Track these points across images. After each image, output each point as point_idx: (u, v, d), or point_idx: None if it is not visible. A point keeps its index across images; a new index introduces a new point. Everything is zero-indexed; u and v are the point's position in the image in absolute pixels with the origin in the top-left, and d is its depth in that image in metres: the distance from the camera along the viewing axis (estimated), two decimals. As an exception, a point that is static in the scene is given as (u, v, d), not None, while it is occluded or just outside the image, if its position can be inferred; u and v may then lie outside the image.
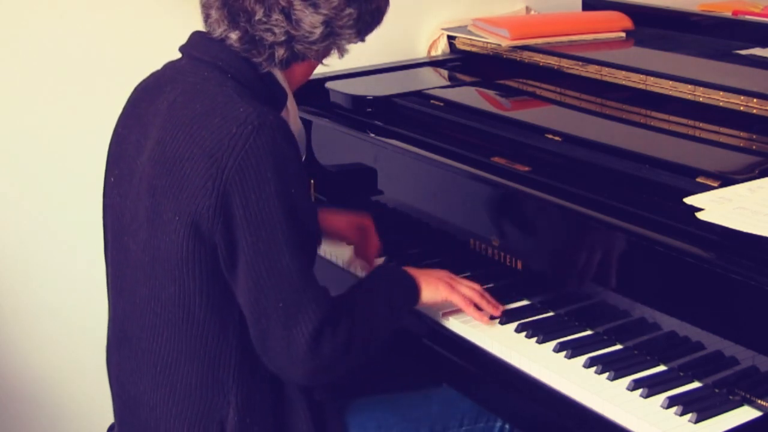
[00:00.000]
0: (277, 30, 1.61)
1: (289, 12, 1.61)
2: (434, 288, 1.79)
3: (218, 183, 1.53)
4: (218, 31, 1.64)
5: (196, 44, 1.69)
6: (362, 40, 1.75)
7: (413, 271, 1.80)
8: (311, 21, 1.61)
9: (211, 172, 1.54)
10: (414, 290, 1.77)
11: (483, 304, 1.82)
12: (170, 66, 1.74)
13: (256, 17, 1.60)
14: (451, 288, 1.80)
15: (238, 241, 1.55)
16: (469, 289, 1.82)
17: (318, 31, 1.62)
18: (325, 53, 1.70)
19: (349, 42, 1.70)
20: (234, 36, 1.63)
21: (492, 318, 1.83)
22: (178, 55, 1.74)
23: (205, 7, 1.67)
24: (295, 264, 1.56)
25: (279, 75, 1.69)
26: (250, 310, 1.58)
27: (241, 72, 1.64)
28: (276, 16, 1.60)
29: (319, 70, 1.84)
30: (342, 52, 1.71)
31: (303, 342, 1.57)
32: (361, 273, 2.04)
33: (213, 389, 1.64)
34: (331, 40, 1.66)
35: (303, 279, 1.57)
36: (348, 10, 1.64)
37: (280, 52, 1.63)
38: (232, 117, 1.55)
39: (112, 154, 1.76)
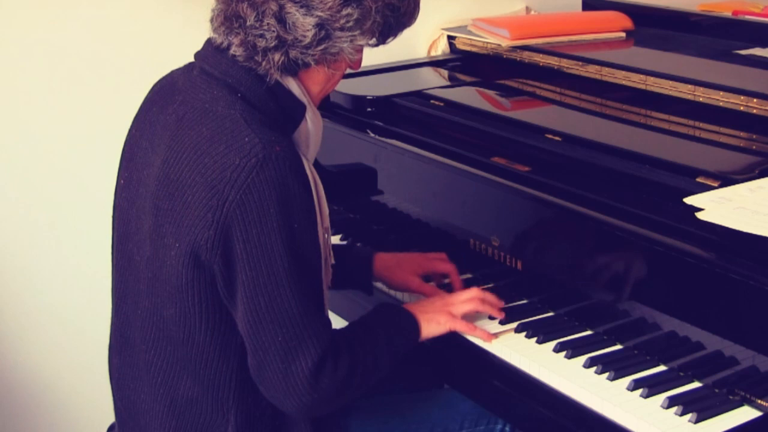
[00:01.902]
0: (268, 35, 1.54)
1: (281, 15, 1.54)
2: (435, 323, 1.76)
3: (219, 215, 1.50)
4: (221, 39, 1.60)
5: (207, 56, 1.63)
6: (383, 42, 1.67)
7: (413, 309, 1.77)
8: (303, 23, 1.53)
9: (211, 204, 1.51)
10: (414, 330, 1.74)
11: (487, 309, 1.82)
12: (186, 72, 1.68)
13: (248, 22, 1.54)
14: (452, 317, 1.77)
15: (238, 274, 1.52)
16: (468, 302, 1.80)
17: (310, 35, 1.54)
18: (332, 59, 1.60)
19: (356, 44, 1.59)
20: (235, 43, 1.57)
21: (491, 318, 1.83)
22: (183, 58, 1.71)
23: (213, 15, 1.62)
24: (295, 299, 1.53)
25: (294, 86, 1.63)
26: (248, 341, 1.56)
27: (251, 90, 1.58)
28: (268, 20, 1.54)
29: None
30: (350, 56, 1.61)
31: (302, 377, 1.54)
32: None
33: (213, 406, 1.63)
34: (329, 43, 1.56)
35: (304, 314, 1.54)
36: (346, 11, 1.54)
37: (275, 58, 1.56)
38: (236, 147, 1.51)
39: (124, 154, 1.73)
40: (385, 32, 1.65)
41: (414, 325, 1.74)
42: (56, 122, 2.43)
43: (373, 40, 1.64)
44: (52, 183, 2.46)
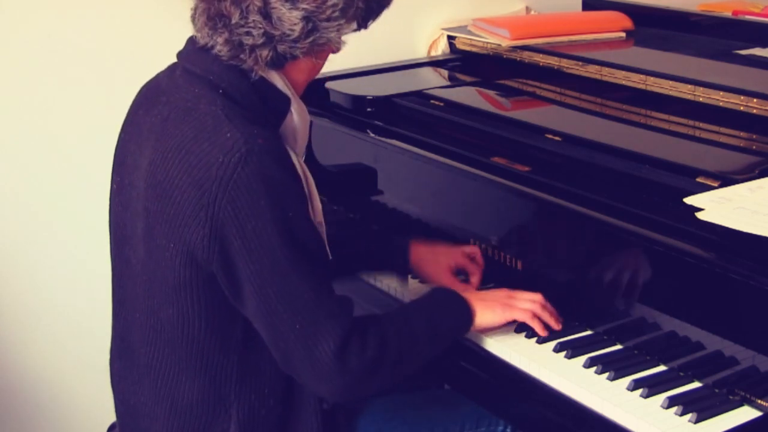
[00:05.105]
0: (255, 32, 1.53)
1: (266, 11, 1.53)
2: (491, 311, 1.72)
3: (210, 213, 1.49)
4: (205, 40, 1.58)
5: (189, 55, 1.64)
6: (364, 27, 1.68)
7: (469, 295, 1.74)
8: (290, 18, 1.53)
9: (202, 202, 1.50)
10: (465, 314, 1.70)
11: (545, 316, 1.76)
12: (169, 73, 1.69)
13: (233, 21, 1.54)
14: (510, 306, 1.73)
15: (241, 270, 1.51)
16: (529, 302, 1.76)
17: (298, 28, 1.54)
18: (319, 49, 1.61)
19: (342, 33, 1.60)
20: (219, 41, 1.56)
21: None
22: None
23: (194, 14, 1.61)
24: (304, 284, 1.52)
25: (278, 80, 1.63)
26: (267, 335, 1.56)
27: (233, 86, 1.58)
28: (253, 17, 1.53)
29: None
30: (337, 44, 1.62)
31: (327, 360, 1.52)
32: None
33: (214, 404, 1.63)
34: (317, 35, 1.56)
35: (316, 298, 1.53)
36: (331, 1, 1.55)
37: (263, 54, 1.56)
38: (219, 144, 1.51)
39: (116, 158, 1.74)
40: (367, 16, 1.67)
41: (466, 310, 1.70)
42: (57, 121, 2.43)
43: (355, 26, 1.65)
44: (53, 181, 2.46)
